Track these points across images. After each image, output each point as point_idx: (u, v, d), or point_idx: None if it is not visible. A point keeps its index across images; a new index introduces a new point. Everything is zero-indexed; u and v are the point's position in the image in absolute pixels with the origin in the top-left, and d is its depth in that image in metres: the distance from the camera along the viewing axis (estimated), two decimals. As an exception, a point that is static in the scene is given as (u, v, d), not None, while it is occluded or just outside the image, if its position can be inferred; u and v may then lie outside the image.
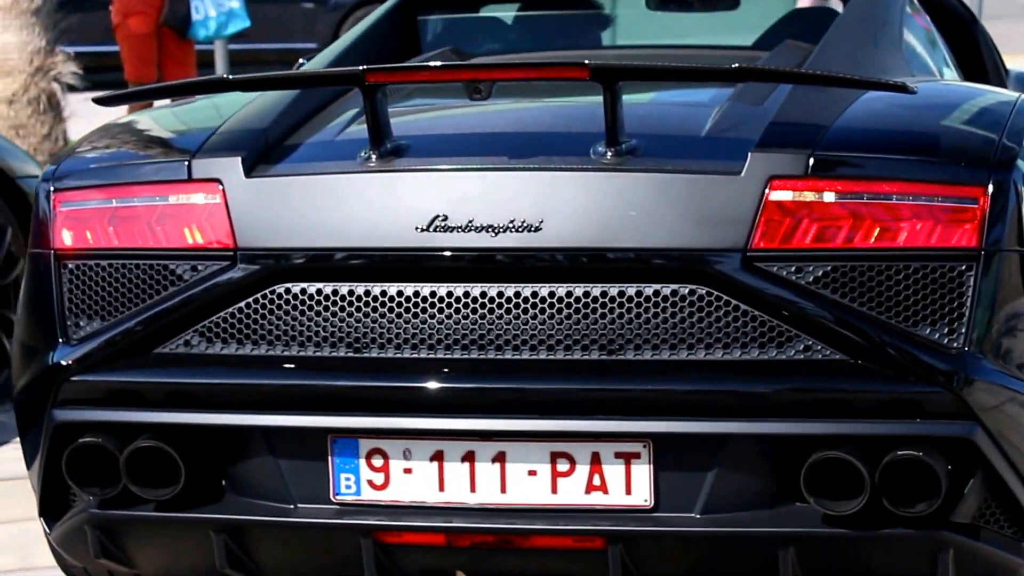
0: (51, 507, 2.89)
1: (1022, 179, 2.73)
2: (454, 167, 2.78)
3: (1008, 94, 3.31)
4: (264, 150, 2.89)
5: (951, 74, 4.09)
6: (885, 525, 2.62)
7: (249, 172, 2.80)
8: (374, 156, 2.79)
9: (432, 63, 3.10)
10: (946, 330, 2.63)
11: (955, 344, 2.63)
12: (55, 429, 2.80)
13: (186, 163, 2.84)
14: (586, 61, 2.72)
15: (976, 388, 2.62)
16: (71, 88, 8.34)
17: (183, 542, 2.86)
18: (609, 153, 2.72)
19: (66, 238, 2.88)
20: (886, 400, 2.62)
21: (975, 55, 4.70)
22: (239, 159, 2.80)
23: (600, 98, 2.71)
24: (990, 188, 2.67)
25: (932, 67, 3.89)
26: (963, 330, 2.63)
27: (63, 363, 2.82)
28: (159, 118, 3.49)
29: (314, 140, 2.99)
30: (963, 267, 2.64)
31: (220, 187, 2.79)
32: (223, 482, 2.80)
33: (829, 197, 2.66)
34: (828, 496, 2.58)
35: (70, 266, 2.86)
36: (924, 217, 2.65)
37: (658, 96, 3.19)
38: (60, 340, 2.84)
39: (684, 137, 2.89)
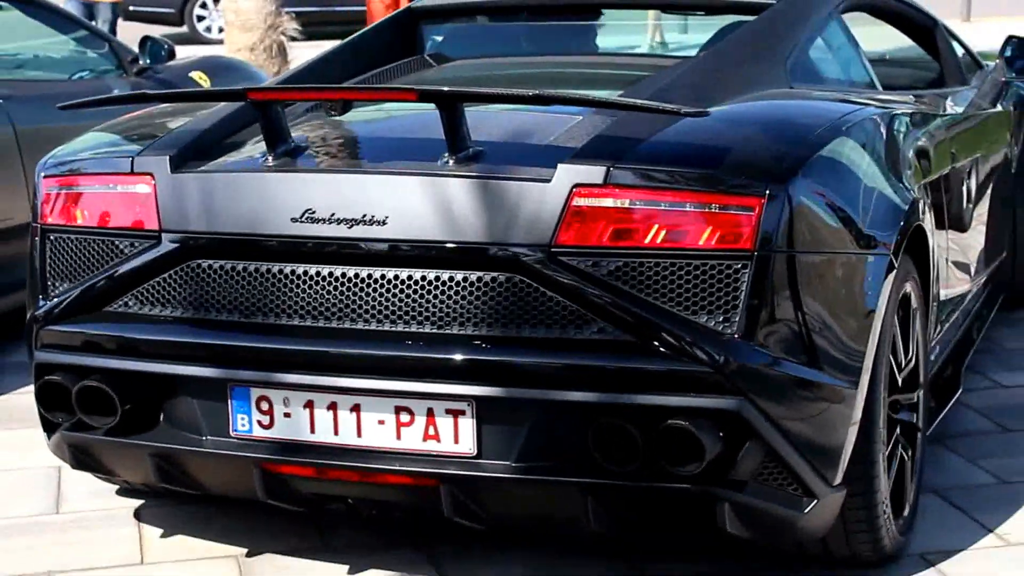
0: (45, 426, 3.46)
1: (798, 191, 3.01)
2: (323, 170, 3.25)
3: (830, 114, 3.50)
4: (191, 152, 3.35)
5: (863, 83, 4.31)
6: (665, 480, 2.95)
7: (175, 169, 3.27)
8: (269, 159, 3.24)
9: (292, 85, 3.69)
10: (721, 319, 2.93)
11: (728, 331, 2.92)
12: (35, 367, 3.39)
13: (130, 159, 3.34)
14: (418, 87, 3.14)
15: (745, 369, 2.92)
16: (292, 39, 10.92)
17: (129, 460, 3.41)
18: (448, 160, 3.08)
19: (47, 215, 3.45)
20: (665, 377, 2.92)
21: (935, 57, 5.08)
22: (167, 158, 3.29)
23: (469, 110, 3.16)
24: (765, 199, 2.94)
25: (828, 77, 4.14)
26: (735, 319, 2.93)
27: (40, 315, 3.40)
28: (137, 122, 3.86)
29: (231, 144, 3.44)
30: (738, 266, 2.93)
31: (152, 180, 3.29)
32: (160, 416, 3.30)
33: (623, 203, 2.96)
34: (614, 455, 2.93)
35: (50, 238, 3.42)
36: (705, 222, 2.93)
37: (506, 111, 3.47)
38: (41, 297, 3.41)
39: (511, 148, 3.19)
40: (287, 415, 3.16)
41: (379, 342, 3.07)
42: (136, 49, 7.11)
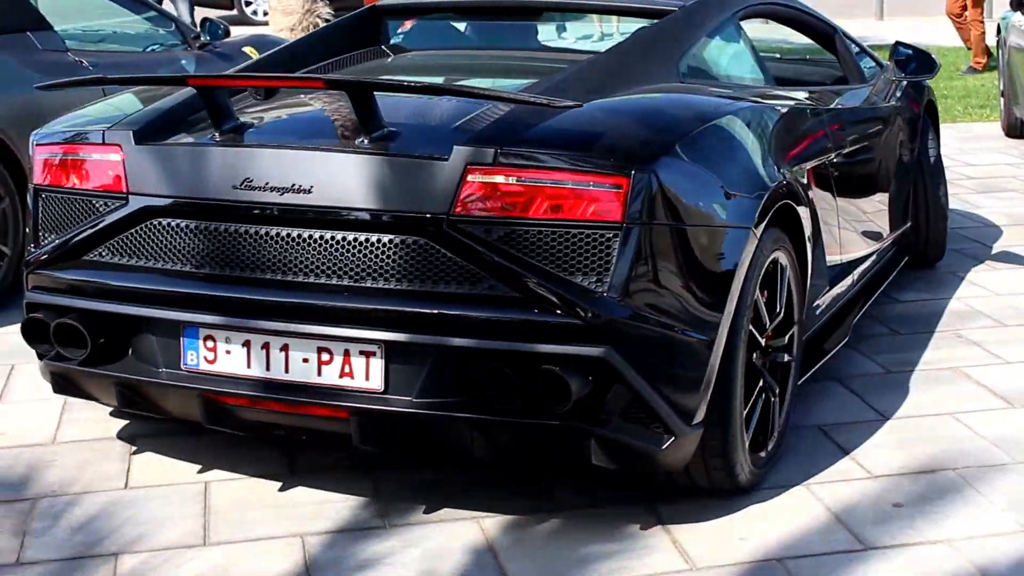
0: (36, 354, 3.87)
1: (662, 172, 3.35)
2: (260, 145, 3.59)
3: (700, 105, 3.92)
4: (155, 126, 3.75)
5: (754, 80, 4.66)
6: (540, 417, 3.29)
7: (138, 142, 3.68)
8: (216, 135, 3.64)
9: (223, 73, 3.97)
10: (594, 279, 3.27)
11: (599, 290, 3.26)
12: (25, 305, 3.83)
13: (102, 132, 3.76)
14: (326, 77, 3.61)
15: (612, 322, 3.26)
16: (326, 21, 11.29)
17: (98, 387, 3.79)
18: (364, 140, 3.45)
19: (38, 177, 3.89)
20: (544, 327, 3.26)
21: (837, 59, 5.52)
22: (131, 132, 3.70)
23: (386, 97, 3.55)
24: (632, 178, 3.29)
25: (719, 75, 4.51)
26: (606, 280, 3.27)
27: (31, 260, 3.84)
28: (119, 100, 4.27)
29: (191, 121, 3.84)
30: (610, 235, 3.28)
31: (120, 150, 3.69)
32: (126, 350, 3.69)
33: (510, 180, 3.31)
34: (498, 394, 3.27)
35: (42, 196, 3.87)
36: (582, 197, 3.28)
37: (420, 99, 3.84)
38: (33, 246, 3.86)
39: (419, 131, 3.61)
40: (228, 352, 3.53)
41: (305, 292, 3.41)
42: (197, 28, 7.94)
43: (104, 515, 3.67)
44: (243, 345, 3.51)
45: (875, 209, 5.24)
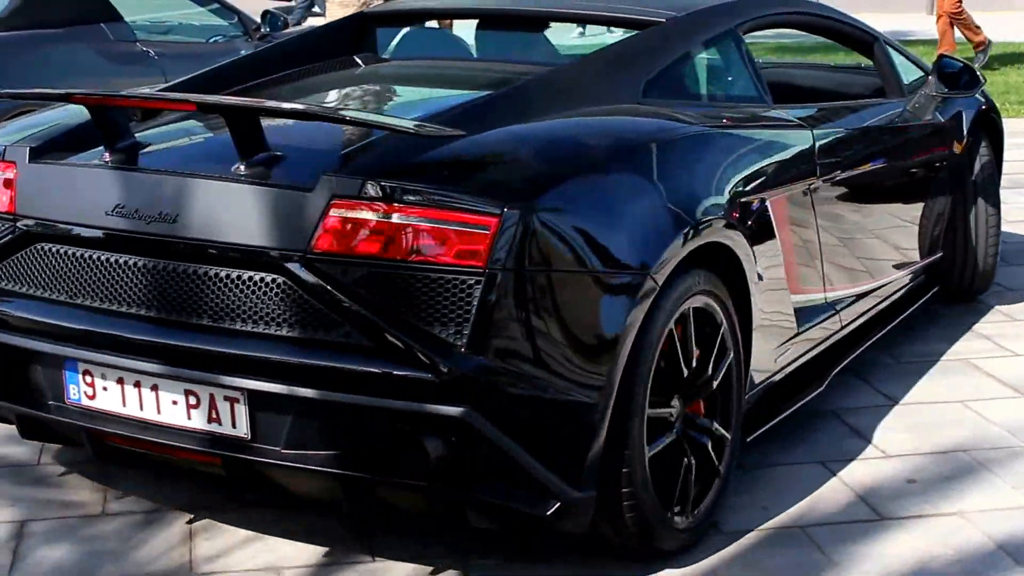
0: None
1: (539, 212, 3.02)
2: (133, 168, 3.35)
3: (623, 133, 3.57)
4: (53, 143, 3.53)
5: (745, 98, 4.35)
6: (401, 477, 3.04)
7: (32, 159, 3.45)
8: (106, 155, 3.39)
9: (102, 91, 3.51)
10: (452, 331, 2.94)
11: (458, 343, 2.93)
12: None
13: (4, 147, 3.52)
14: (196, 98, 3.30)
15: (472, 380, 2.93)
16: None
17: (6, 416, 3.59)
18: (237, 166, 3.19)
19: None
20: (399, 382, 2.95)
21: (878, 70, 5.22)
22: (27, 149, 3.47)
23: (267, 121, 3.27)
24: (501, 218, 2.95)
25: (696, 93, 4.31)
26: (466, 332, 2.94)
27: None
28: (38, 116, 3.98)
29: (84, 139, 3.55)
30: (471, 282, 2.94)
31: (15, 168, 3.47)
32: (26, 380, 3.45)
33: (374, 216, 2.98)
34: (355, 451, 3.04)
35: None
36: (443, 239, 2.96)
37: (300, 122, 3.53)
38: None
39: (297, 157, 3.28)
40: (105, 389, 3.29)
41: (170, 330, 3.16)
42: (259, 19, 8.30)
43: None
44: (117, 383, 3.28)
45: (885, 239, 4.85)
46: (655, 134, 3.60)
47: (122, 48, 6.98)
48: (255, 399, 3.09)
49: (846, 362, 4.48)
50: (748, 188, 3.77)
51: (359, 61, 4.66)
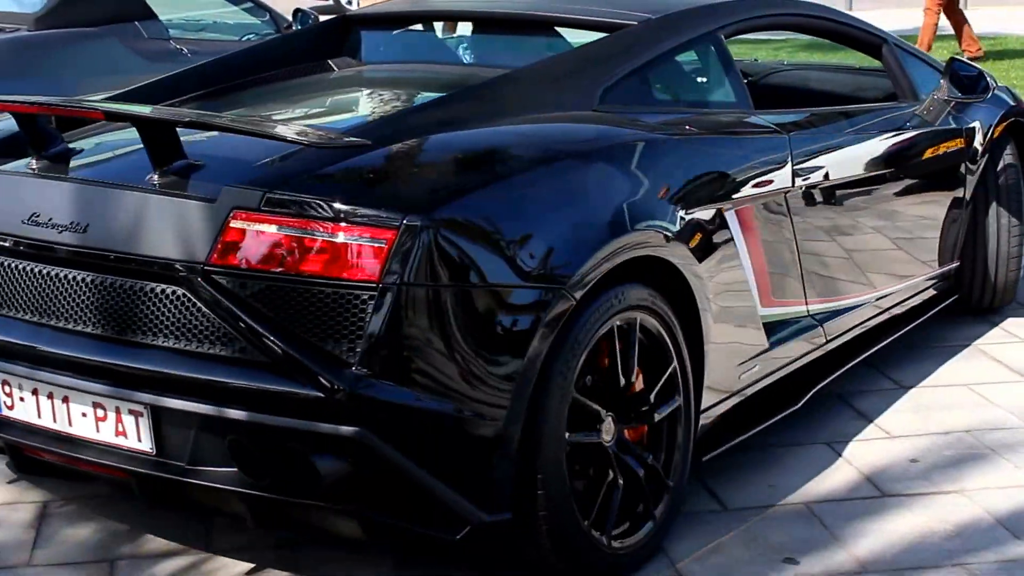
0: None
1: (439, 225, 2.91)
2: (47, 176, 3.30)
3: (548, 143, 3.43)
4: (3, 146, 3.47)
5: (722, 104, 4.21)
6: (299, 496, 2.96)
7: None
8: (33, 162, 3.37)
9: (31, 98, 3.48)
10: (346, 348, 2.86)
11: (351, 360, 2.85)
12: None
13: None
14: (105, 107, 3.26)
15: (366, 399, 2.85)
16: None
17: None
18: (154, 176, 3.13)
19: None
20: (293, 400, 2.87)
21: (888, 73, 5.05)
22: None
23: (187, 131, 3.20)
24: (398, 232, 2.86)
25: (662, 99, 4.09)
26: (359, 350, 2.85)
27: None
28: None
29: (17, 146, 3.49)
30: (365, 297, 2.85)
31: None
32: None
33: (272, 229, 2.91)
34: (250, 468, 2.95)
35: None
36: (341, 253, 2.87)
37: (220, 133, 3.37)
38: None
39: (210, 167, 3.18)
40: (22, 399, 3.24)
41: (79, 342, 3.12)
42: (290, 18, 8.45)
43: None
44: (32, 393, 3.23)
45: (882, 249, 4.63)
46: (585, 143, 3.50)
47: (156, 46, 7.14)
48: (158, 414, 3.03)
49: (826, 382, 4.27)
50: (700, 198, 3.62)
51: (333, 66, 4.59)
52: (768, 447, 4.11)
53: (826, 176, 4.23)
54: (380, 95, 4.26)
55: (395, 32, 4.89)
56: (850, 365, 4.42)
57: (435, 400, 2.91)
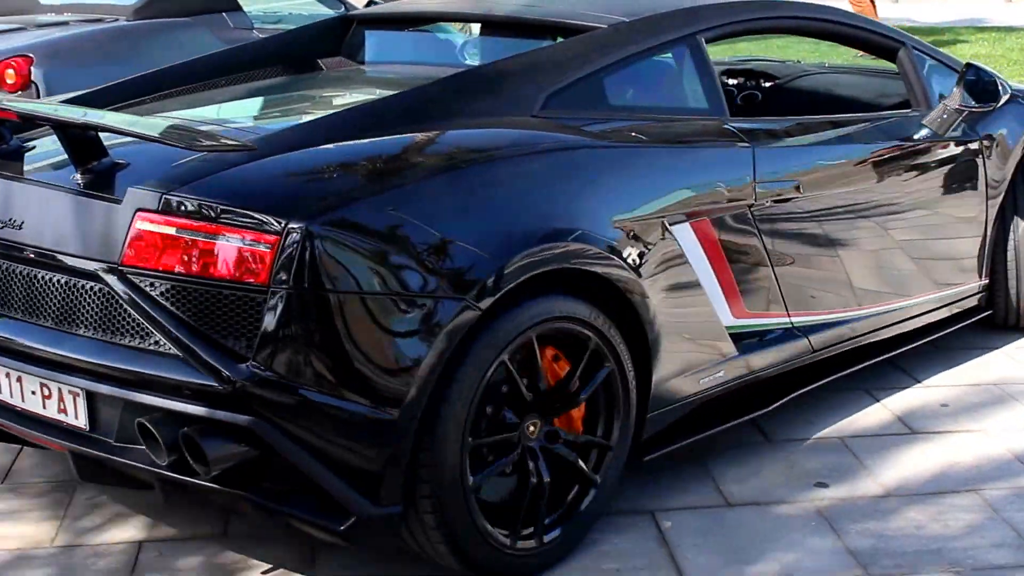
0: None
1: (327, 230, 2.93)
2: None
3: (443, 149, 3.38)
4: None
5: (692, 110, 4.01)
6: (198, 478, 3.03)
7: None
8: None
9: None
10: (243, 344, 2.96)
11: (247, 355, 2.95)
12: None
13: None
14: (14, 106, 3.30)
15: (258, 391, 2.94)
16: None
17: None
18: (77, 175, 3.22)
19: None
20: (195, 389, 2.98)
21: (903, 79, 4.74)
22: None
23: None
24: (283, 236, 2.91)
25: (617, 105, 3.89)
26: (253, 345, 2.95)
27: None
28: None
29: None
30: (257, 297, 2.93)
31: None
32: None
33: (171, 231, 2.99)
34: (155, 450, 3.03)
35: None
36: (233, 254, 2.94)
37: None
38: None
39: (123, 168, 3.25)
40: None
41: (23, 330, 3.26)
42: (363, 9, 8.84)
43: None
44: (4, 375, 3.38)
45: (878, 264, 4.39)
46: (497, 151, 3.39)
47: (241, 35, 7.45)
48: (91, 395, 3.18)
49: (805, 389, 4.16)
50: (639, 210, 3.54)
51: (321, 65, 4.62)
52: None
53: (799, 188, 4.02)
54: (330, 97, 4.21)
55: (392, 32, 4.80)
56: (832, 377, 4.26)
57: (326, 396, 2.97)
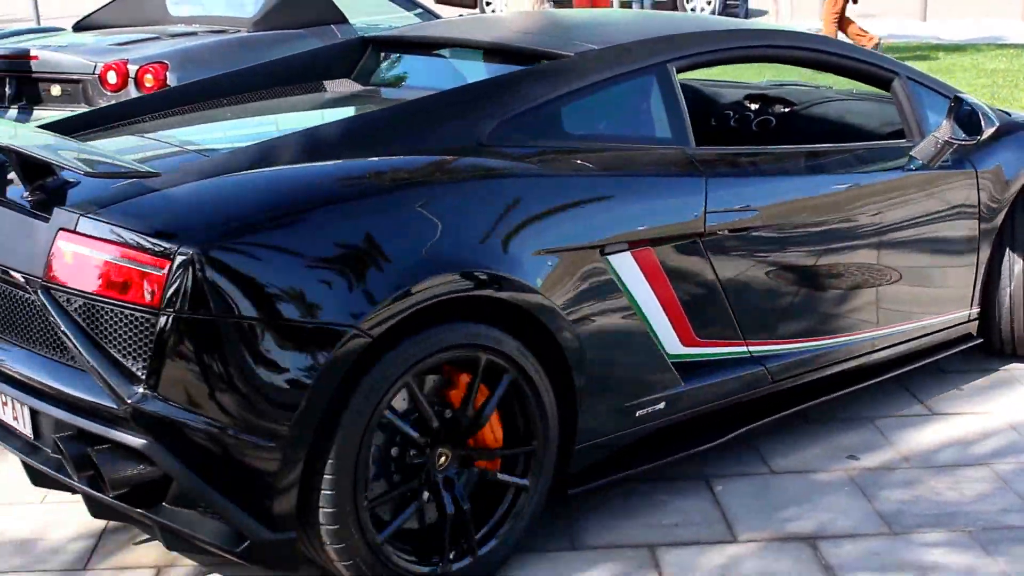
0: None
1: (217, 257, 2.75)
2: None
3: (342, 182, 3.03)
4: None
5: (656, 139, 3.65)
6: (104, 493, 2.90)
7: None
8: None
9: None
10: (140, 366, 2.80)
11: (142, 377, 2.79)
12: None
13: None
14: None
15: (150, 414, 2.78)
16: None
17: None
18: (26, 192, 3.08)
19: None
20: (100, 409, 2.85)
21: (897, 109, 4.33)
22: None
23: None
24: (174, 261, 2.74)
25: (577, 134, 3.54)
26: (146, 369, 2.79)
27: None
28: None
29: None
30: (150, 320, 2.77)
31: None
32: None
33: (84, 251, 2.86)
34: (72, 464, 2.89)
35: None
36: (131, 277, 2.79)
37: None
38: None
39: (65, 189, 3.07)
40: None
41: None
42: None
43: None
44: None
45: (844, 291, 3.98)
46: (409, 179, 3.10)
47: (347, 46, 7.65)
48: (33, 409, 3.07)
49: (758, 424, 3.83)
50: (568, 238, 3.23)
51: (325, 87, 4.28)
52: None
53: (761, 218, 3.67)
54: (294, 121, 3.90)
55: (403, 55, 4.43)
56: (791, 411, 3.94)
57: (214, 422, 2.79)
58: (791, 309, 3.85)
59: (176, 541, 2.96)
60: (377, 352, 2.91)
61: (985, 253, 4.41)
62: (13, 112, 7.02)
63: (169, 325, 2.77)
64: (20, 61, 7.11)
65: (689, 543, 3.46)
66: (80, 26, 8.29)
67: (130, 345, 2.83)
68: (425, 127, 3.35)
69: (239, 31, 7.60)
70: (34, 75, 7.09)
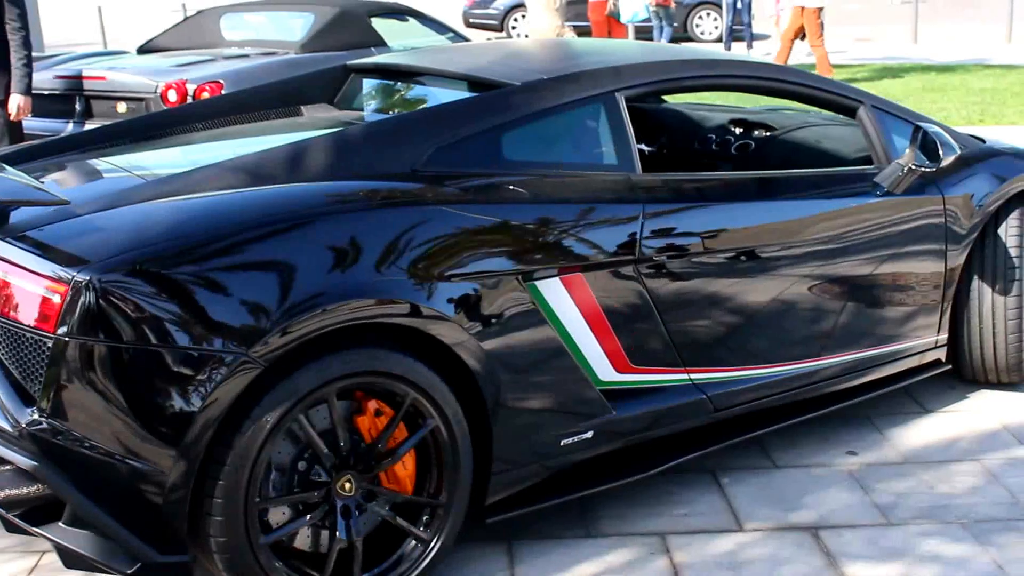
0: None
1: (114, 284, 2.63)
2: None
3: (251, 210, 2.85)
4: None
5: (601, 166, 3.46)
6: (9, 512, 2.81)
7: None
8: None
9: None
10: (36, 388, 2.69)
11: (37, 401, 2.69)
12: None
13: None
14: None
15: (38, 436, 2.67)
16: None
17: None
18: None
19: None
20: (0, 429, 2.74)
21: (864, 136, 4.10)
22: None
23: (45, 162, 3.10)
24: (70, 286, 2.62)
25: (515, 161, 3.35)
26: (40, 391, 2.68)
27: None
28: None
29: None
30: (47, 344, 2.66)
31: None
32: None
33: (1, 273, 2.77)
34: None
35: None
36: (30, 301, 2.69)
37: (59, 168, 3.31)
38: None
39: (5, 212, 2.92)
40: None
41: None
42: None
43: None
44: None
45: (795, 319, 3.74)
46: (319, 208, 2.90)
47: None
48: None
49: (698, 453, 3.60)
50: (486, 265, 3.04)
51: (301, 111, 4.16)
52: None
53: (703, 244, 3.47)
54: (247, 146, 3.56)
55: (380, 82, 4.26)
56: (733, 441, 3.70)
57: (102, 447, 2.66)
58: (736, 336, 3.61)
59: (74, 559, 2.81)
60: (268, 379, 2.76)
61: (953, 278, 4.13)
62: (85, 127, 7.13)
63: (62, 349, 2.65)
64: (90, 81, 7.24)
65: (698, 532, 3.49)
66: (143, 49, 8.43)
67: (27, 367, 2.74)
68: (361, 153, 3.20)
69: (288, 53, 7.70)
70: (102, 94, 7.20)
